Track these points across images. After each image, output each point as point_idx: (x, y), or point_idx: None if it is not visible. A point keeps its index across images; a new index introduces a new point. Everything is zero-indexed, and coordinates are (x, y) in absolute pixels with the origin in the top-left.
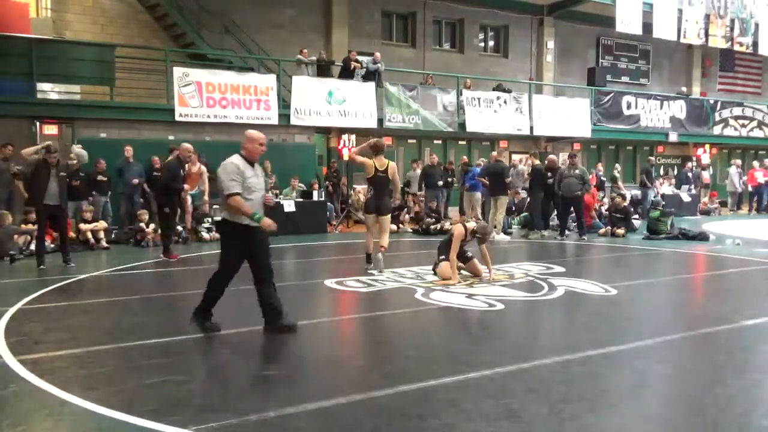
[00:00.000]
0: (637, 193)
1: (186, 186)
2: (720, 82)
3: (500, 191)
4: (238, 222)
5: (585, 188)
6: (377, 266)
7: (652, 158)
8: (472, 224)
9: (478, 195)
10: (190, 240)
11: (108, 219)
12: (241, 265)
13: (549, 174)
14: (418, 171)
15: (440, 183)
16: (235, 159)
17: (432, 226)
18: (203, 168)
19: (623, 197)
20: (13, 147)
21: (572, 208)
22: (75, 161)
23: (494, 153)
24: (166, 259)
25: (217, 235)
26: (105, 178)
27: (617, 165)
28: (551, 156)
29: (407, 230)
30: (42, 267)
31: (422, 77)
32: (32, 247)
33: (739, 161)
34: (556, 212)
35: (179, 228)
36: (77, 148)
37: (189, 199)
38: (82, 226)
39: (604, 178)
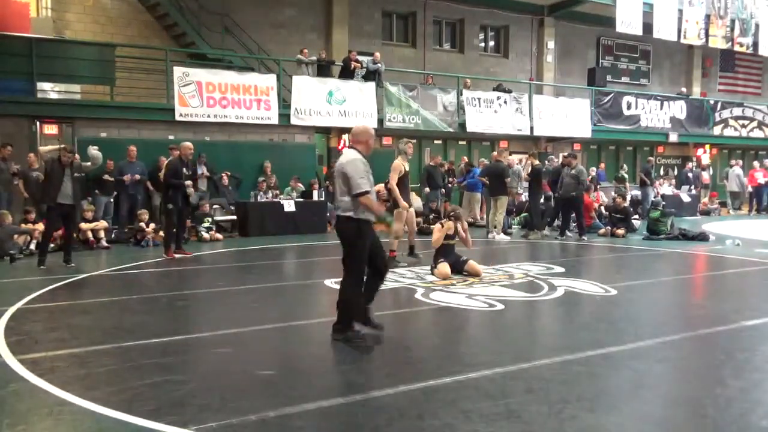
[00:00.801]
0: (637, 193)
1: (189, 182)
2: (720, 82)
3: (500, 191)
4: (364, 218)
5: (580, 188)
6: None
7: (652, 158)
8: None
9: (479, 195)
10: (189, 239)
11: (108, 218)
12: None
13: (565, 171)
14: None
15: (442, 191)
16: (358, 156)
17: (424, 224)
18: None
19: (623, 197)
20: (13, 147)
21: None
22: (88, 162)
23: (495, 153)
24: (167, 258)
25: (218, 235)
26: (111, 179)
27: (624, 166)
28: (564, 154)
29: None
30: (42, 266)
31: (422, 77)
32: (32, 246)
33: (741, 161)
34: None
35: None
36: (93, 150)
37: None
38: (83, 225)
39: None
